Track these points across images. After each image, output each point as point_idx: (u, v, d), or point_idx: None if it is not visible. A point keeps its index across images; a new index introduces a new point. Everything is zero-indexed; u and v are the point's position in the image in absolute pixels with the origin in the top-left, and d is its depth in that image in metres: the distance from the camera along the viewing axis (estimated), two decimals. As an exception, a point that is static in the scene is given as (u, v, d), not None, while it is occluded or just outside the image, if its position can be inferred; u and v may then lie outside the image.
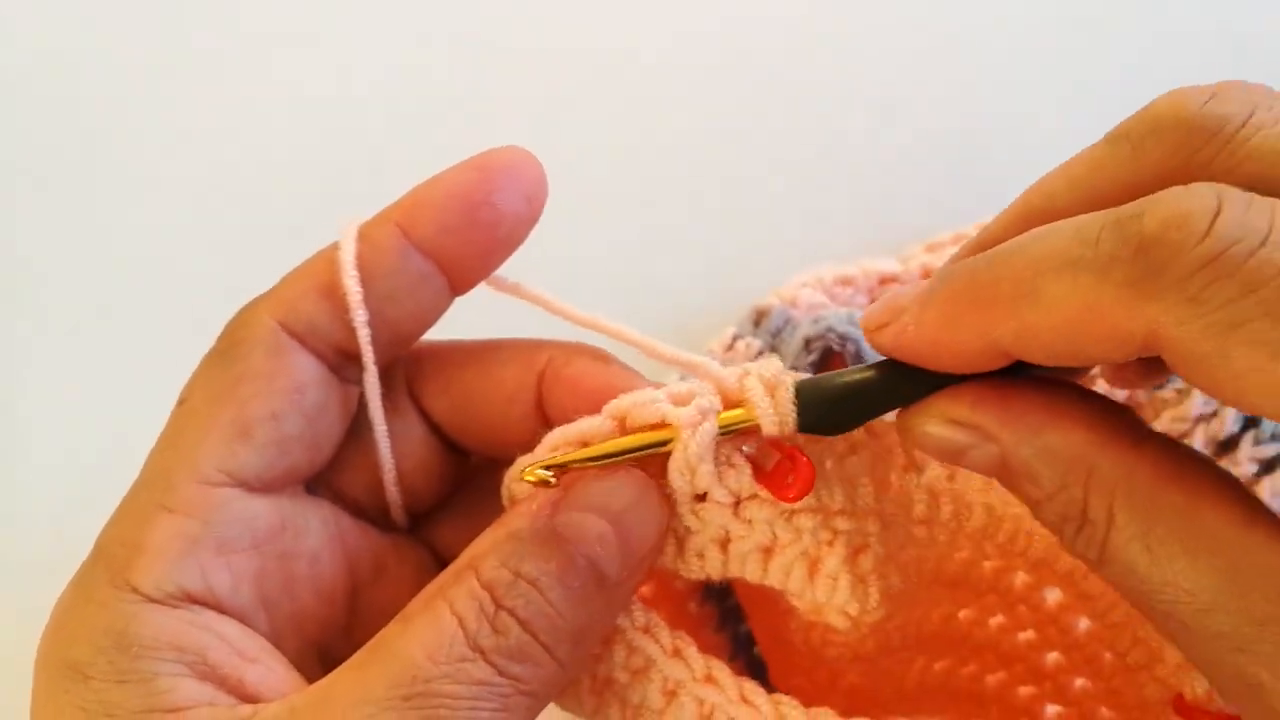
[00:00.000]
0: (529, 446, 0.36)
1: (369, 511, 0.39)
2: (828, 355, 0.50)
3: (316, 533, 0.37)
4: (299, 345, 0.36)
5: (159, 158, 0.67)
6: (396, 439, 0.38)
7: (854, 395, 0.34)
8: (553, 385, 0.37)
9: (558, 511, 0.34)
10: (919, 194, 0.66)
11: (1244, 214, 0.27)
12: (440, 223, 0.36)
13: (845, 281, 0.58)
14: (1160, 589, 0.30)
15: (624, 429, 0.35)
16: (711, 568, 0.37)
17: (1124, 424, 0.31)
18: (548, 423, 0.37)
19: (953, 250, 0.60)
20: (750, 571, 0.37)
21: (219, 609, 0.34)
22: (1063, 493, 0.31)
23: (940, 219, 0.61)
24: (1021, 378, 0.32)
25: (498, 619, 0.32)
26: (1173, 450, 0.31)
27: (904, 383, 0.33)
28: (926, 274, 0.59)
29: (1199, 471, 0.30)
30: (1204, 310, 0.26)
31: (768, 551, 0.36)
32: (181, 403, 0.36)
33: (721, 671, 0.36)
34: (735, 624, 0.51)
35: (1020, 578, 0.44)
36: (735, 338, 0.56)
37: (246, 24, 0.70)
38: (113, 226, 0.66)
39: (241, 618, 0.34)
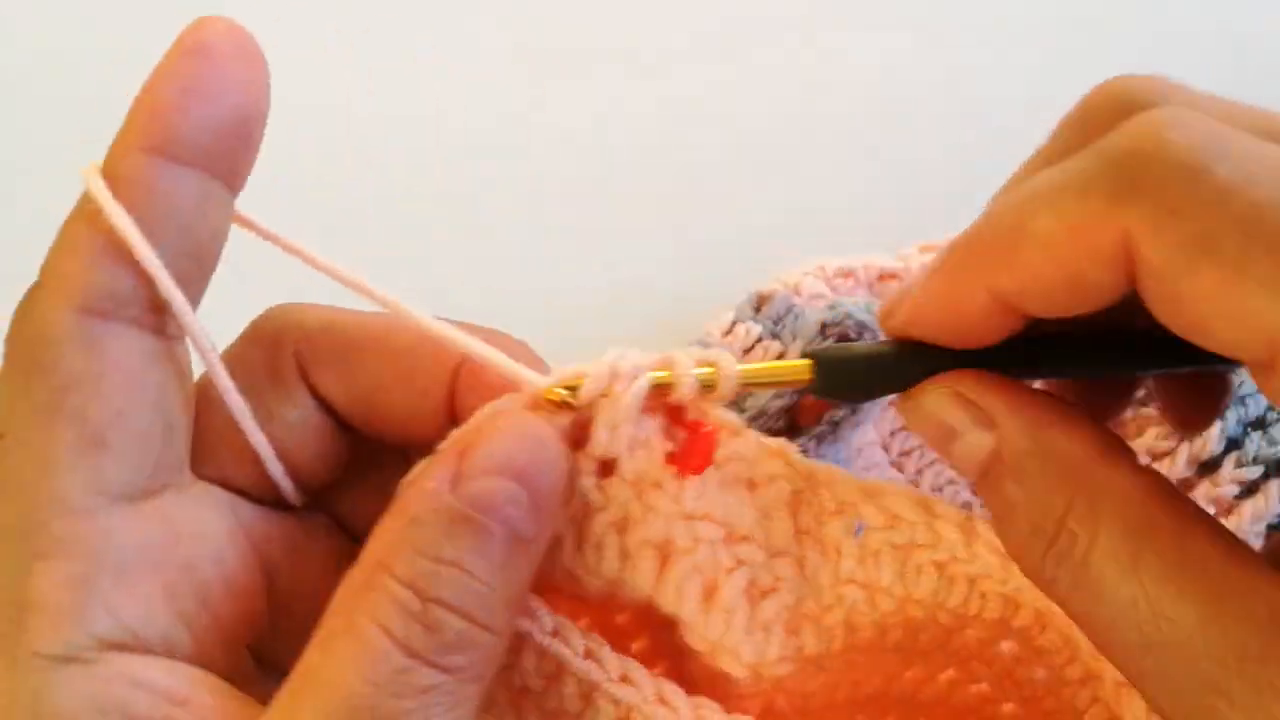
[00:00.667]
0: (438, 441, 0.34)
1: (263, 493, 0.36)
2: (844, 342, 0.49)
3: (215, 529, 0.33)
4: (108, 324, 0.31)
5: None
6: (286, 423, 0.35)
7: (868, 365, 0.33)
8: (471, 388, 0.35)
9: (459, 483, 0.31)
10: (919, 195, 0.66)
11: (1217, 129, 0.27)
12: (184, 125, 0.31)
13: (846, 274, 0.57)
14: (1134, 615, 0.28)
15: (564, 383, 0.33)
16: (608, 566, 0.35)
17: (1123, 447, 0.31)
18: (456, 419, 0.34)
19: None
20: (643, 578, 0.35)
21: (137, 647, 0.30)
22: (1043, 500, 0.30)
23: (938, 221, 0.61)
24: (1031, 384, 0.32)
25: (428, 614, 0.29)
26: (1161, 479, 0.30)
27: (918, 359, 0.32)
28: (927, 272, 0.58)
29: (1184, 501, 0.30)
30: (1178, 221, 0.26)
31: (663, 555, 0.35)
32: (3, 436, 0.30)
33: (638, 672, 0.34)
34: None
35: (973, 634, 0.40)
36: (735, 322, 0.55)
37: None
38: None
39: (163, 645, 0.31)
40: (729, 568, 0.35)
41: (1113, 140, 0.28)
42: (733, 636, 0.35)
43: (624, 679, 0.34)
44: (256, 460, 0.34)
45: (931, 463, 0.59)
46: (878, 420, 0.58)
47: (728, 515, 0.35)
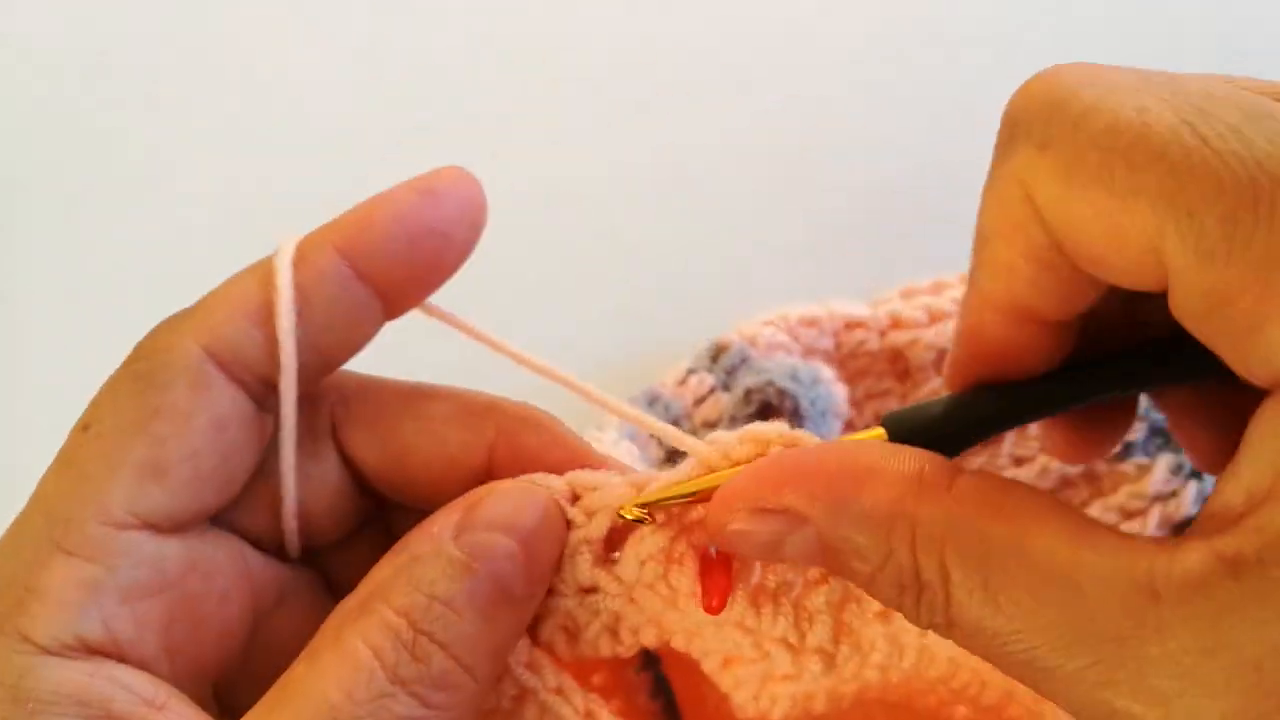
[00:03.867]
0: None
1: (269, 543, 0.38)
2: (766, 409, 0.49)
3: (225, 570, 0.35)
4: (223, 376, 0.33)
5: (162, 160, 0.67)
6: (310, 479, 0.36)
7: (943, 421, 0.33)
8: (509, 461, 0.36)
9: (462, 532, 0.33)
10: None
11: (1088, 68, 0.29)
12: (384, 249, 0.34)
13: (810, 323, 0.57)
14: (1013, 639, 0.28)
15: (577, 495, 0.35)
16: (595, 641, 0.36)
17: (934, 468, 0.30)
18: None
19: (928, 299, 0.59)
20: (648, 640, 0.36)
21: (120, 658, 0.31)
22: (890, 560, 0.30)
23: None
24: (819, 447, 0.32)
25: (417, 646, 0.31)
26: (987, 482, 0.30)
27: (989, 401, 0.33)
28: (894, 322, 0.58)
29: (1019, 498, 0.30)
30: (1051, 153, 0.28)
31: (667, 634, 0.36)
32: (85, 428, 0.33)
33: None
34: (666, 692, 0.51)
35: (961, 711, 0.42)
36: (689, 372, 0.55)
37: (246, 25, 0.70)
38: (113, 229, 0.67)
39: (143, 665, 0.32)
40: (752, 659, 0.35)
41: (1006, 107, 0.30)
42: (742, 695, 0.36)
43: None
44: (274, 511, 0.36)
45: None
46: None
47: (759, 622, 0.35)
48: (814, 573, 0.35)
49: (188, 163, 0.68)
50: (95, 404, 0.33)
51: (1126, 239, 0.27)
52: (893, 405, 0.58)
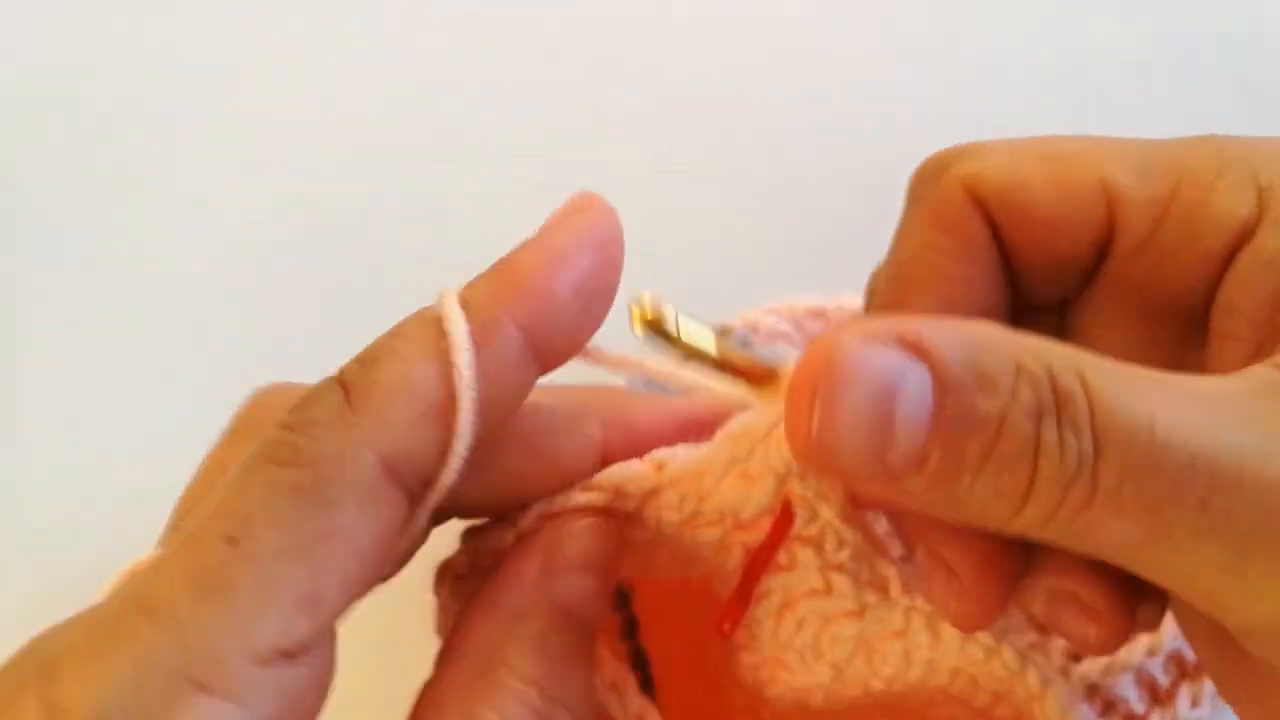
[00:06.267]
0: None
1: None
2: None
3: (329, 667, 0.31)
4: (394, 487, 0.29)
5: (163, 160, 0.67)
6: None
7: None
8: (622, 451, 0.34)
9: (546, 578, 0.31)
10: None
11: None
12: (564, 323, 0.30)
13: (817, 314, 0.56)
14: (1174, 428, 0.26)
15: (661, 471, 0.34)
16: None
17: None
18: None
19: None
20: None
21: None
22: (1024, 378, 0.27)
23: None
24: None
25: (552, 714, 0.30)
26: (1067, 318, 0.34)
27: None
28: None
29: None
30: (992, 156, 0.33)
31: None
32: (235, 543, 0.28)
33: None
34: (633, 635, 0.50)
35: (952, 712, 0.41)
36: (688, 356, 0.54)
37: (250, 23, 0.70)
38: (115, 229, 0.66)
39: None
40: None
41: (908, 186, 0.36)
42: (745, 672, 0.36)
43: None
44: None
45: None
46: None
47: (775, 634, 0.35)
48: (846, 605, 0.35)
49: (188, 161, 0.68)
50: (244, 515, 0.28)
51: (1076, 189, 0.31)
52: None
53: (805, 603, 0.35)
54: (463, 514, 0.35)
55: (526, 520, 0.34)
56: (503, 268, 0.31)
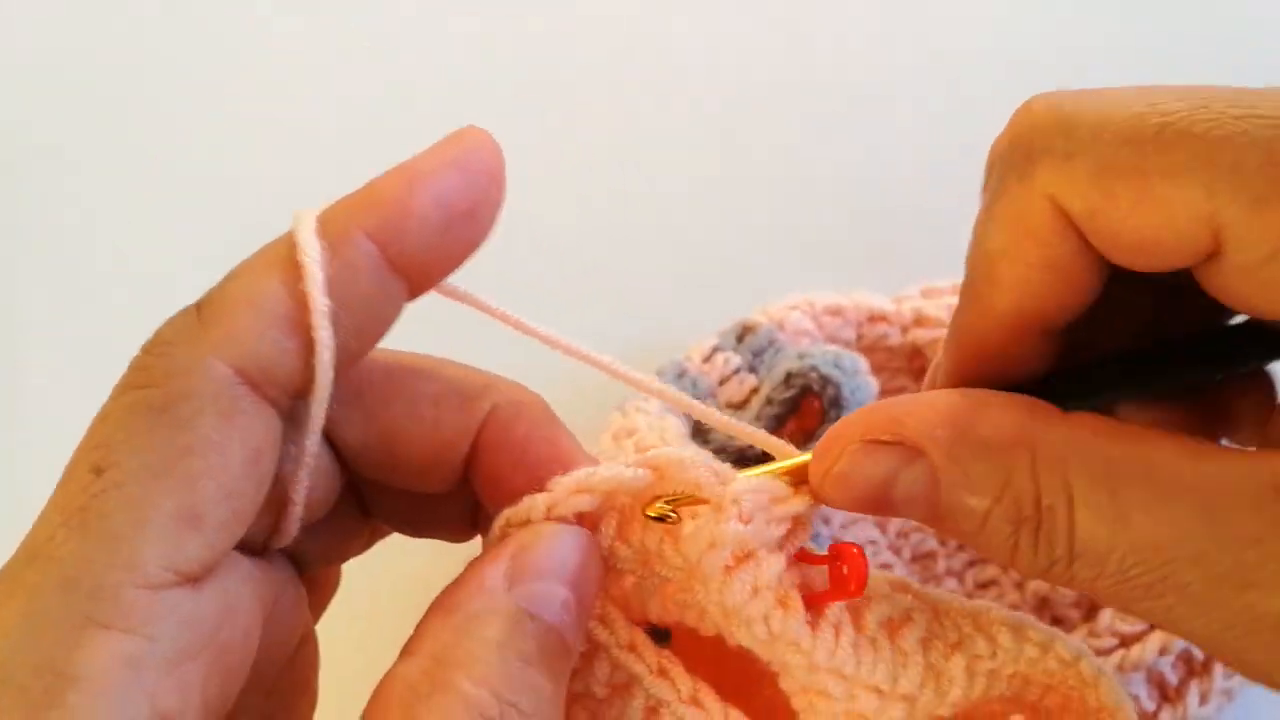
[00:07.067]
0: (448, 488, 0.34)
1: (259, 544, 0.33)
2: (805, 393, 0.49)
3: (246, 606, 0.30)
4: (256, 398, 0.29)
5: (163, 160, 0.66)
6: (291, 458, 0.32)
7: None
8: (495, 446, 0.34)
9: (514, 582, 0.31)
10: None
11: (1061, 93, 0.31)
12: (420, 235, 0.30)
13: (835, 312, 0.56)
14: (1146, 557, 0.28)
15: (662, 478, 0.33)
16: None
17: (1045, 404, 0.31)
18: (468, 477, 0.34)
19: (951, 299, 0.59)
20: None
21: None
22: (1008, 489, 0.29)
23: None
24: (918, 395, 0.32)
25: (506, 718, 0.29)
26: (1098, 416, 0.31)
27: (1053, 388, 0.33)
28: (917, 319, 0.58)
29: (1133, 426, 0.30)
30: (1079, 161, 0.29)
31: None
32: (99, 472, 0.27)
33: (708, 696, 0.34)
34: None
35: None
36: (715, 349, 0.54)
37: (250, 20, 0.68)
38: (115, 229, 0.65)
39: None
40: (835, 698, 0.34)
41: (997, 144, 0.31)
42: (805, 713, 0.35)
43: (694, 700, 0.34)
44: (276, 513, 0.32)
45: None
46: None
47: (855, 674, 0.34)
48: (902, 604, 0.35)
49: (186, 160, 0.67)
50: (105, 443, 0.28)
51: (1174, 213, 0.28)
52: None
53: (872, 618, 0.35)
54: (351, 466, 0.34)
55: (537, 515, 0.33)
56: (364, 188, 0.31)
